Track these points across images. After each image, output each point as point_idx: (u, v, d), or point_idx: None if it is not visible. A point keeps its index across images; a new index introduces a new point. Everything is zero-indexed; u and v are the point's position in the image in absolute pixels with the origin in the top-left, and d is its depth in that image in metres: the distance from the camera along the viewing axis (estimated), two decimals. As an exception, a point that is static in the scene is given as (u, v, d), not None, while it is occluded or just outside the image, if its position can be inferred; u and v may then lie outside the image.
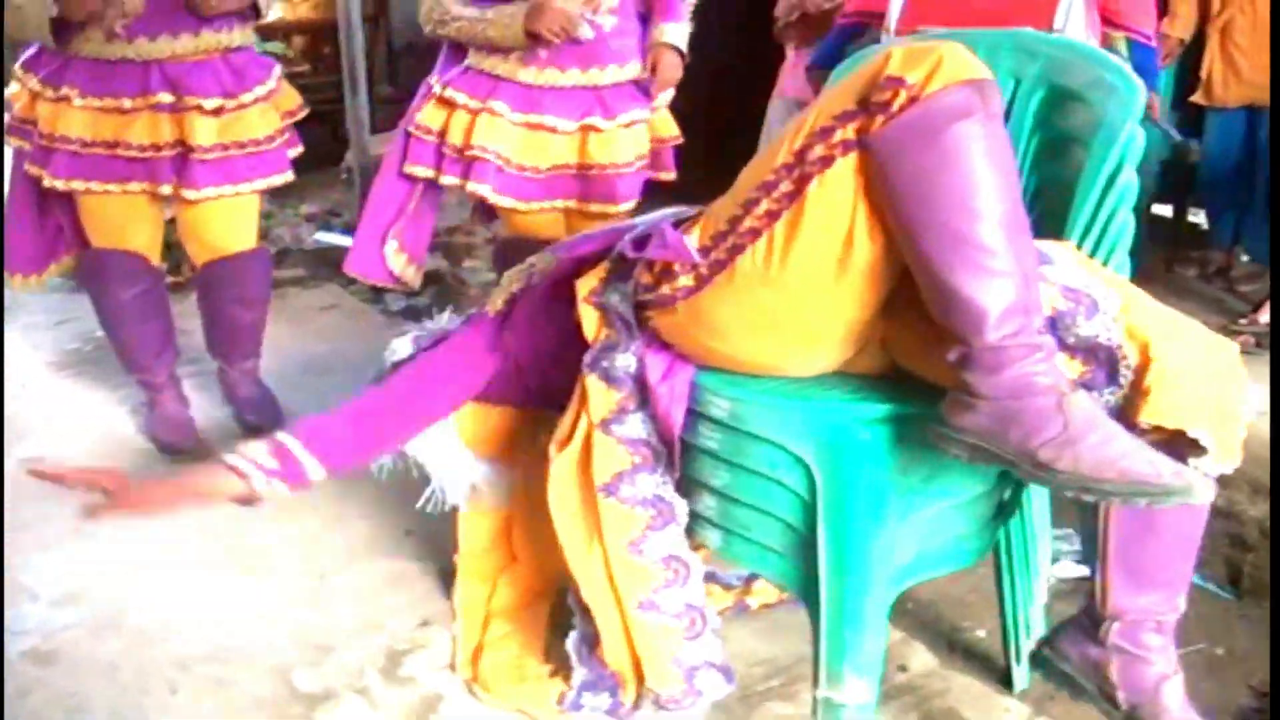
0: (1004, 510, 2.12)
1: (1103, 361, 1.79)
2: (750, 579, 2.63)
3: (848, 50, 3.61)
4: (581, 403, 2.16)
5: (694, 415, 2.05)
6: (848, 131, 1.76)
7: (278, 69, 3.40)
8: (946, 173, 1.70)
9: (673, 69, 3.43)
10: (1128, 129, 1.91)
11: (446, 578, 2.73)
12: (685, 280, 1.98)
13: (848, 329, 1.90)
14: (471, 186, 3.33)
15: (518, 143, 3.33)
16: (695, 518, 2.12)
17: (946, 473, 1.95)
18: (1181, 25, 4.68)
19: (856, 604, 1.93)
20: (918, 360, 1.92)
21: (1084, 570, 2.72)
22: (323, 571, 2.84)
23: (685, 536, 2.16)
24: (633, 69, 3.41)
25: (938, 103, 1.69)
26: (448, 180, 3.40)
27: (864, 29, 3.61)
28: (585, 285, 2.17)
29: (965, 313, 1.72)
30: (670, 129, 3.55)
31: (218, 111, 3.18)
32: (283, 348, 3.66)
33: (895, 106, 1.71)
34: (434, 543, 2.90)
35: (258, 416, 3.54)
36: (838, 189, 1.78)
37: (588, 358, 2.14)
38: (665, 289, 2.00)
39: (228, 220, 3.32)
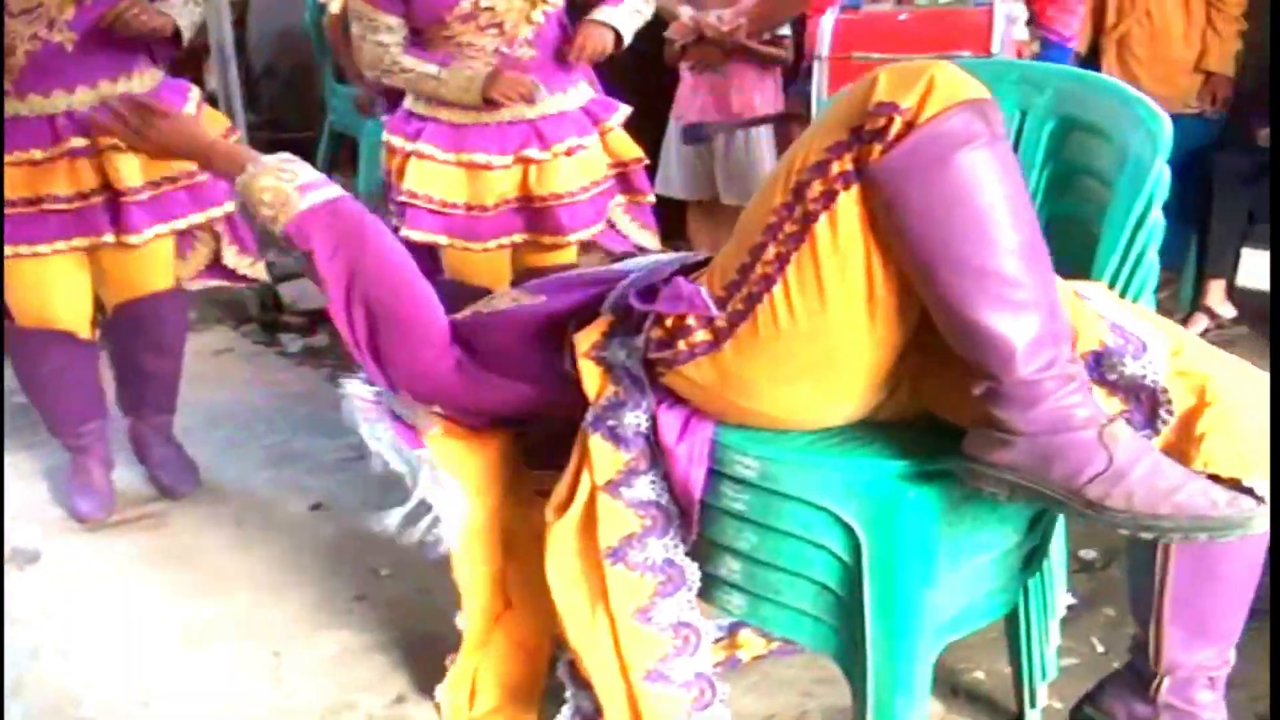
0: (1033, 559, 2.05)
1: (1143, 402, 1.72)
2: (735, 628, 2.54)
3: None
4: (582, 464, 2.03)
5: (715, 476, 1.94)
6: (844, 163, 1.67)
7: (195, 93, 3.17)
8: (957, 203, 1.61)
9: (597, 39, 3.26)
10: (1157, 166, 1.85)
11: (411, 647, 2.60)
12: (702, 335, 1.86)
13: (881, 371, 1.81)
14: (405, 233, 3.18)
15: (456, 183, 3.20)
16: (718, 582, 2.01)
17: (987, 524, 1.88)
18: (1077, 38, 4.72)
19: (906, 669, 1.84)
20: (952, 403, 1.84)
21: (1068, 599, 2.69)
22: (275, 648, 2.66)
23: (695, 602, 2.05)
24: (560, 99, 3.29)
25: (939, 128, 1.60)
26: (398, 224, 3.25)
27: None
28: (586, 339, 2.03)
29: (992, 348, 1.64)
30: (631, 149, 3.41)
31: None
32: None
33: (891, 134, 1.62)
34: (388, 609, 2.76)
35: (174, 479, 3.34)
36: (846, 225, 1.68)
37: (589, 417, 2.01)
38: (681, 345, 1.89)
39: (150, 258, 3.09)
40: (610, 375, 2.00)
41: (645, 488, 1.99)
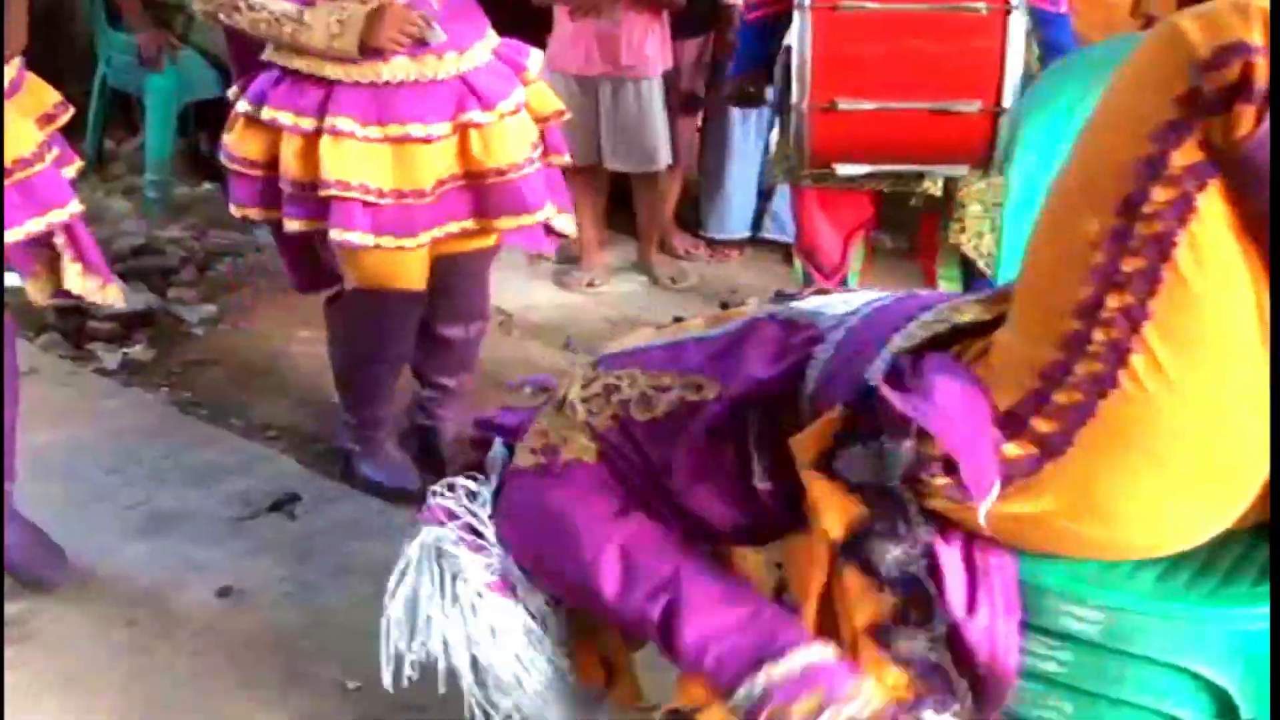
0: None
1: None
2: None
3: (771, 48, 2.97)
4: (827, 596, 1.47)
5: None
6: (1188, 152, 1.22)
7: (16, 60, 2.39)
8: None
9: None
10: None
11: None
12: (1017, 449, 1.34)
13: None
14: (337, 237, 2.51)
15: (385, 164, 2.54)
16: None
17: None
18: None
19: None
20: None
21: None
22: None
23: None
24: (493, 39, 2.71)
25: None
26: (293, 226, 2.55)
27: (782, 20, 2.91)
28: (809, 444, 1.46)
29: None
30: (552, 103, 2.84)
31: None
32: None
33: (1257, 89, 1.17)
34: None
35: (37, 566, 2.56)
36: (1216, 239, 1.24)
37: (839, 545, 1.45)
38: None
39: None
40: (856, 495, 1.43)
41: (923, 646, 1.43)
